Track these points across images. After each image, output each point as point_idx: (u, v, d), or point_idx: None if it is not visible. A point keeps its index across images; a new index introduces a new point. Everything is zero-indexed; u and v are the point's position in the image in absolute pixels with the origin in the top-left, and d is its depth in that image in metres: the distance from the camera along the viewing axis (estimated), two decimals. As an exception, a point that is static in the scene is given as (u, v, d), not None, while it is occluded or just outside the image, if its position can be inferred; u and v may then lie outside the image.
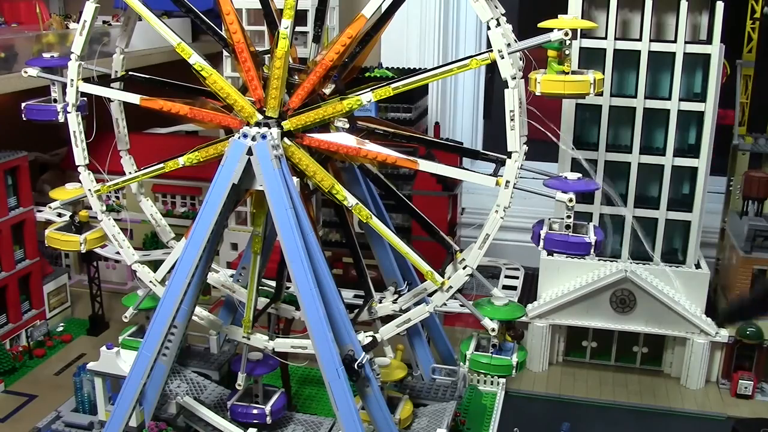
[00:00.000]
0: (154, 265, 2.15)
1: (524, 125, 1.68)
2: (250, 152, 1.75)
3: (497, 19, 1.61)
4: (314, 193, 2.01)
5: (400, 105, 2.80)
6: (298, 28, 2.03)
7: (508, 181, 1.68)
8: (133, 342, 2.24)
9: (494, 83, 3.83)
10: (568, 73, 1.56)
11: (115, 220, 2.13)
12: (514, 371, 1.97)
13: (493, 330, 1.84)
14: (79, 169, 2.07)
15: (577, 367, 2.85)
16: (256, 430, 2.07)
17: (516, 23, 1.73)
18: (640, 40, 2.59)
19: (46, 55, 2.10)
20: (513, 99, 1.60)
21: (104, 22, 3.04)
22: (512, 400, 2.53)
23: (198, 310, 2.10)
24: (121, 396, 1.97)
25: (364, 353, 1.84)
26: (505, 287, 2.98)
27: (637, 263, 2.72)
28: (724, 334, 2.64)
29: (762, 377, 2.71)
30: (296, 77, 1.88)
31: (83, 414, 2.22)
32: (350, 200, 1.84)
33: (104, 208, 2.11)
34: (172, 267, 2.02)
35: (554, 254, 1.82)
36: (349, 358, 1.81)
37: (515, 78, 1.60)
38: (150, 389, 2.02)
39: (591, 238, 1.68)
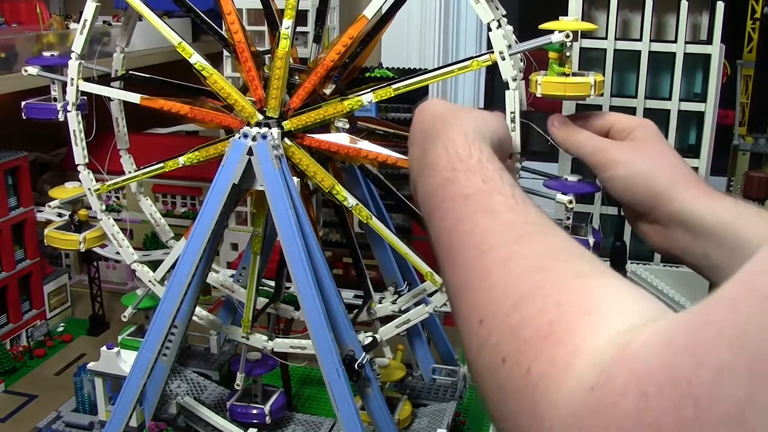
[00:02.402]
0: (154, 266, 2.15)
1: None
2: (250, 152, 1.75)
3: (498, 21, 1.61)
4: (314, 193, 2.00)
5: (400, 105, 2.80)
6: (298, 29, 2.02)
7: (508, 182, 1.68)
8: (133, 341, 2.24)
9: (494, 84, 3.83)
10: (569, 75, 1.56)
11: (115, 220, 2.13)
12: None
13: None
14: (79, 168, 2.06)
15: (577, 368, 2.84)
16: (256, 430, 2.07)
17: (516, 24, 1.73)
18: (640, 40, 2.59)
19: (46, 54, 2.09)
20: (514, 100, 1.60)
21: (105, 22, 3.04)
22: (512, 401, 2.52)
23: (198, 310, 2.10)
24: (122, 396, 1.96)
25: (364, 353, 1.84)
26: (505, 287, 2.97)
27: (637, 263, 2.72)
28: (724, 335, 2.64)
29: (762, 377, 2.71)
30: (297, 77, 1.88)
31: (83, 414, 2.21)
32: (350, 201, 1.84)
33: (103, 207, 2.11)
34: (172, 266, 2.02)
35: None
36: (350, 359, 1.81)
37: (516, 79, 1.60)
38: (150, 389, 2.01)
39: (590, 240, 1.68)
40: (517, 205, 0.77)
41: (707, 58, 2.57)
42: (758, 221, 0.99)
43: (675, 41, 2.56)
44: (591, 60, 2.60)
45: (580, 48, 2.59)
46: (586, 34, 2.60)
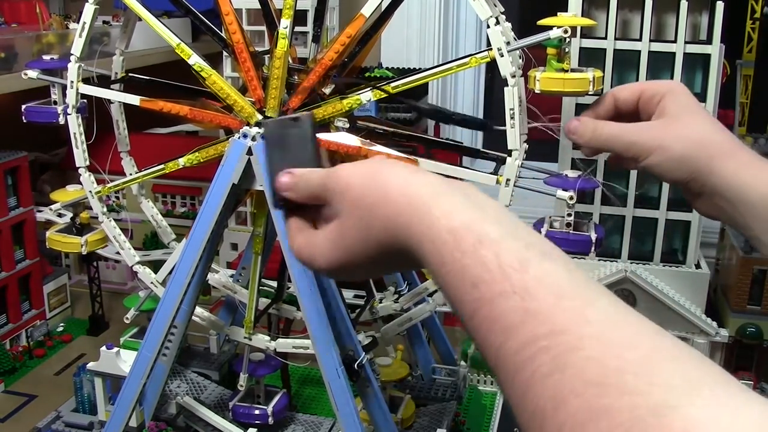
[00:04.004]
0: (155, 266, 2.15)
1: (524, 123, 1.67)
2: (250, 152, 1.75)
3: (496, 18, 1.61)
4: (314, 192, 2.00)
5: (399, 105, 2.79)
6: (297, 28, 2.03)
7: (508, 180, 1.68)
8: (135, 343, 2.24)
9: (495, 83, 3.83)
10: (567, 71, 1.56)
11: (115, 220, 2.13)
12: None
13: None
14: (80, 170, 2.06)
15: (577, 367, 2.83)
16: (256, 430, 2.07)
17: (516, 22, 1.73)
18: (640, 40, 2.59)
19: (46, 57, 2.10)
20: (513, 97, 1.60)
21: (104, 22, 3.04)
22: (512, 400, 2.52)
23: (198, 310, 2.10)
24: (121, 396, 1.97)
25: (364, 353, 1.84)
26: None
27: (637, 263, 2.71)
28: (725, 335, 2.64)
29: (762, 377, 2.71)
30: (296, 77, 1.88)
31: (83, 414, 2.21)
32: (350, 200, 1.83)
33: (105, 209, 2.11)
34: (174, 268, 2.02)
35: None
36: (349, 359, 1.81)
37: (515, 76, 1.60)
38: (150, 389, 2.01)
39: (592, 235, 1.68)
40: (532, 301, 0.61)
41: (707, 58, 2.56)
42: None
43: (675, 41, 2.56)
44: (591, 60, 2.60)
45: (580, 47, 2.59)
46: (585, 34, 2.60)
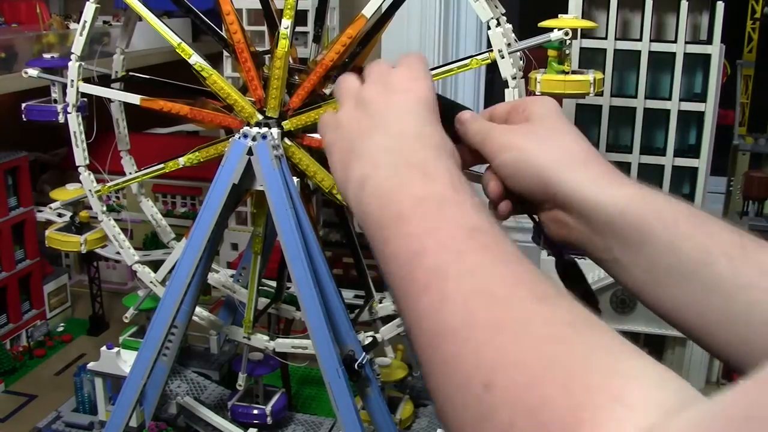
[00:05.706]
0: (155, 266, 2.15)
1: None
2: (250, 152, 1.74)
3: (497, 19, 1.61)
4: (314, 193, 2.00)
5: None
6: (298, 28, 2.03)
7: (508, 181, 1.68)
8: (134, 342, 2.24)
9: (494, 84, 3.83)
10: (568, 73, 1.56)
11: (115, 220, 2.13)
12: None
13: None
14: (80, 169, 2.06)
15: (577, 368, 2.83)
16: (256, 430, 2.08)
17: (516, 23, 1.73)
18: (640, 40, 2.59)
19: (46, 56, 2.10)
20: (513, 98, 1.60)
21: (105, 22, 3.04)
22: (512, 401, 2.52)
23: (198, 310, 2.10)
24: (121, 396, 1.96)
25: (364, 353, 1.84)
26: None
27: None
28: (725, 335, 2.64)
29: (762, 377, 2.71)
30: (296, 77, 1.88)
31: (83, 414, 2.22)
32: (350, 200, 1.83)
33: (104, 208, 2.11)
34: (173, 267, 2.02)
35: (554, 254, 1.82)
36: (350, 359, 1.81)
37: (516, 78, 1.60)
38: (150, 389, 2.01)
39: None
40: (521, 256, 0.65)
41: (707, 58, 2.56)
42: (668, 213, 0.83)
43: (675, 41, 2.56)
44: (591, 60, 2.60)
45: (580, 48, 2.59)
46: (586, 34, 2.60)
